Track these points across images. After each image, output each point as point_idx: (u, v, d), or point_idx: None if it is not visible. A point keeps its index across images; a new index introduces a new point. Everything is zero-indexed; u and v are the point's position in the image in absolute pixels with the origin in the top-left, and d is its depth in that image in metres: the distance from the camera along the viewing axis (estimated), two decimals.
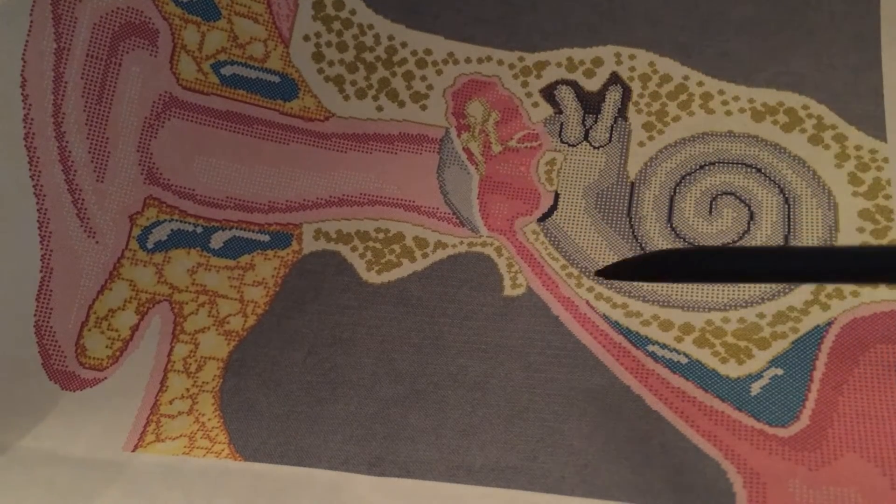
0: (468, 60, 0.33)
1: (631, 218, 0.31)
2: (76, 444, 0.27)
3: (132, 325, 0.29)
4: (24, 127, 0.27)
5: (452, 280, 0.30)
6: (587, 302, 0.29)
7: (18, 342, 0.27)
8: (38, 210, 0.27)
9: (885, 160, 0.30)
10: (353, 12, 0.33)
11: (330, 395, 0.28)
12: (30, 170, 0.27)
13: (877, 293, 0.28)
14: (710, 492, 0.25)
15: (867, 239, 0.29)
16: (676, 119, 0.32)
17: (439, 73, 0.33)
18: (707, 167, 0.31)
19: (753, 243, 0.30)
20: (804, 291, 0.28)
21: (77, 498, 0.26)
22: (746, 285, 0.29)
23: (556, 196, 0.31)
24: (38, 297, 0.27)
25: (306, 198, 0.32)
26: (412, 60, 0.33)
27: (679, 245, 0.30)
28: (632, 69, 0.33)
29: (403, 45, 0.33)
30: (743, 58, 0.32)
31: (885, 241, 0.28)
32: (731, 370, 0.27)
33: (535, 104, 0.33)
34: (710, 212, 0.30)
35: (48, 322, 0.27)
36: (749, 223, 0.30)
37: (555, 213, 0.31)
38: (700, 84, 0.32)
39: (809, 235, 0.29)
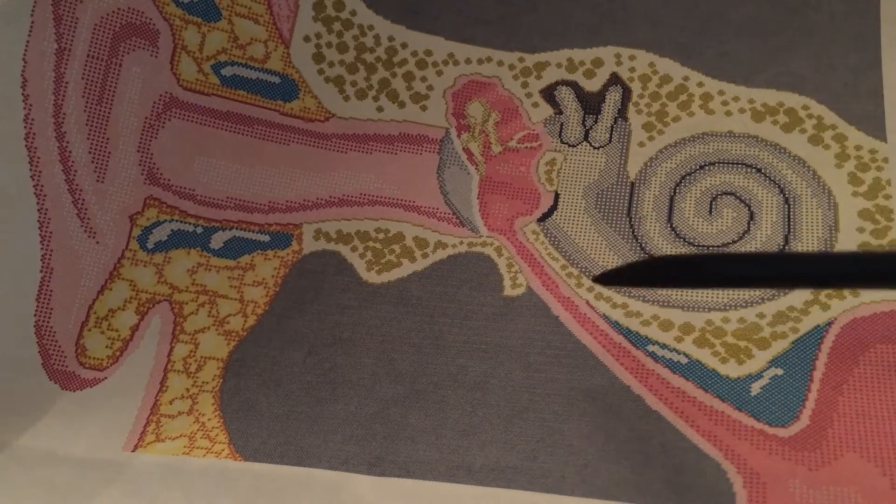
0: (468, 61, 0.33)
1: (631, 218, 0.31)
2: (76, 444, 0.27)
3: (132, 325, 0.29)
4: (25, 127, 0.27)
5: (452, 280, 0.30)
6: (587, 302, 0.29)
7: (18, 342, 0.27)
8: (38, 210, 0.27)
9: (885, 160, 0.30)
10: (353, 13, 0.33)
11: (330, 395, 0.28)
12: (30, 170, 0.27)
13: (877, 293, 0.28)
14: (710, 492, 0.25)
15: (867, 239, 0.29)
16: (676, 119, 0.32)
17: (439, 73, 0.33)
18: (707, 167, 0.31)
19: (753, 243, 0.30)
20: (804, 291, 0.28)
21: (77, 498, 0.26)
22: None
23: (556, 196, 0.31)
24: (38, 297, 0.27)
25: (306, 198, 0.32)
26: (412, 61, 0.33)
27: (679, 245, 0.30)
28: (632, 70, 0.33)
29: (404, 45, 0.33)
30: (743, 58, 0.32)
31: (885, 241, 0.28)
32: (731, 370, 0.27)
33: (536, 105, 0.33)
34: (710, 212, 0.30)
35: (48, 322, 0.27)
36: (749, 223, 0.30)
37: (555, 213, 0.31)
38: (700, 84, 0.32)
39: (809, 235, 0.29)
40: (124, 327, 0.28)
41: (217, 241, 0.30)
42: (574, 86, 0.33)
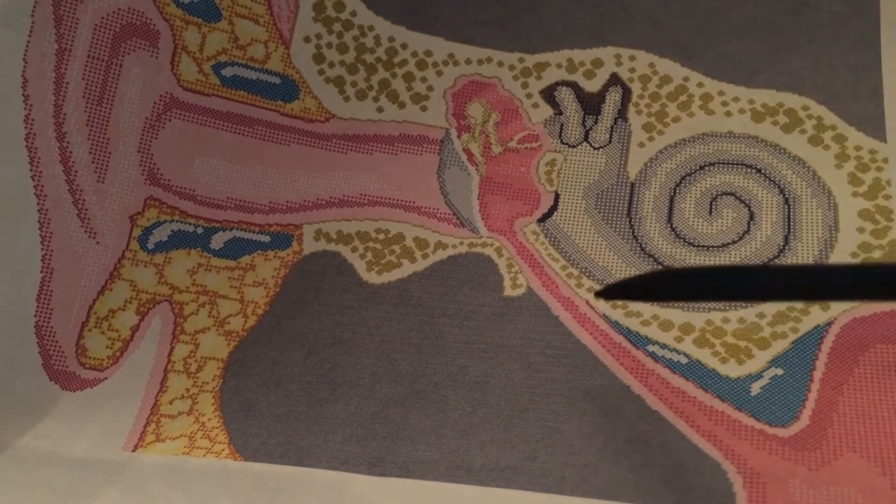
0: (468, 62, 0.33)
1: (631, 218, 0.31)
2: (76, 444, 0.27)
3: (132, 326, 0.29)
4: (25, 127, 0.27)
5: (452, 280, 0.30)
6: (587, 302, 0.29)
7: (18, 342, 0.27)
8: (38, 210, 0.27)
9: (885, 160, 0.30)
10: (353, 14, 0.33)
11: (330, 395, 0.28)
12: (30, 170, 0.27)
13: None
14: (710, 492, 0.25)
15: (867, 239, 0.29)
16: (676, 120, 0.32)
17: (440, 74, 0.33)
18: (707, 168, 0.31)
19: (753, 244, 0.30)
20: None
21: (77, 498, 0.26)
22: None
23: (557, 197, 0.31)
24: (38, 297, 0.27)
25: (307, 198, 0.32)
26: (412, 62, 0.33)
27: (679, 245, 0.30)
28: (632, 70, 0.33)
29: (404, 46, 0.33)
30: (743, 59, 0.32)
31: (884, 241, 0.28)
32: (731, 370, 0.27)
33: (536, 105, 0.33)
34: (710, 212, 0.30)
35: (48, 322, 0.27)
36: (749, 223, 0.30)
37: (555, 213, 0.31)
38: (700, 85, 0.32)
39: (809, 236, 0.29)
40: (124, 327, 0.29)
41: (217, 241, 0.30)
42: (574, 86, 0.33)
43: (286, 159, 0.32)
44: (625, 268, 0.30)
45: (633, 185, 0.31)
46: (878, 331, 0.27)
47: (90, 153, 0.28)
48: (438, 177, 0.32)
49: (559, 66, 0.33)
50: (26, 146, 0.27)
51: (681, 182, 0.31)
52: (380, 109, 0.33)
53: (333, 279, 0.30)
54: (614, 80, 0.33)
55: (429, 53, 0.33)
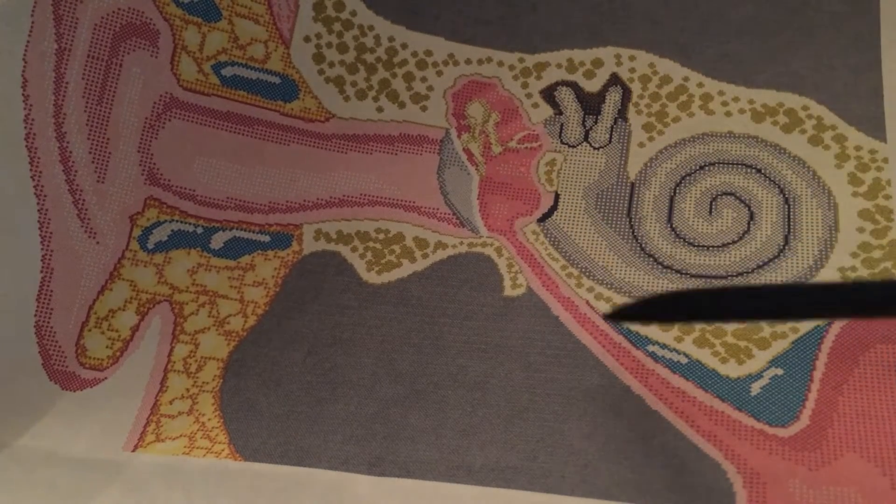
0: (468, 62, 0.33)
1: (631, 218, 0.31)
2: (76, 444, 0.27)
3: (132, 326, 0.29)
4: (25, 127, 0.27)
5: (452, 280, 0.30)
6: (587, 302, 0.29)
7: (18, 342, 0.27)
8: (38, 210, 0.27)
9: (885, 160, 0.30)
10: (353, 13, 0.33)
11: (330, 395, 0.28)
12: (30, 170, 0.27)
13: None
14: (710, 492, 0.25)
15: (867, 239, 0.29)
16: (676, 120, 0.32)
17: (439, 74, 0.33)
18: (707, 168, 0.31)
19: (753, 244, 0.30)
20: None
21: (77, 498, 0.26)
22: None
23: (557, 196, 0.31)
24: (38, 297, 0.27)
25: (307, 198, 0.32)
26: (412, 62, 0.33)
27: (679, 245, 0.30)
28: (632, 70, 0.33)
29: (404, 46, 0.33)
30: (743, 59, 0.32)
31: (884, 241, 0.28)
32: (731, 370, 0.27)
33: (536, 105, 0.33)
34: (710, 212, 0.30)
35: (48, 322, 0.27)
36: (749, 223, 0.30)
37: (555, 213, 0.31)
38: (700, 85, 0.32)
39: (809, 236, 0.29)
40: (124, 327, 0.29)
41: (217, 241, 0.30)
42: (574, 86, 0.33)
43: (286, 159, 0.32)
44: (625, 268, 0.30)
45: (633, 185, 0.31)
46: (878, 331, 0.27)
47: (90, 153, 0.28)
48: (438, 177, 0.32)
49: (559, 66, 0.33)
50: (26, 146, 0.27)
51: (681, 182, 0.31)
52: (380, 109, 0.33)
53: (333, 279, 0.30)
54: (614, 80, 0.33)
55: (429, 53, 0.33)
